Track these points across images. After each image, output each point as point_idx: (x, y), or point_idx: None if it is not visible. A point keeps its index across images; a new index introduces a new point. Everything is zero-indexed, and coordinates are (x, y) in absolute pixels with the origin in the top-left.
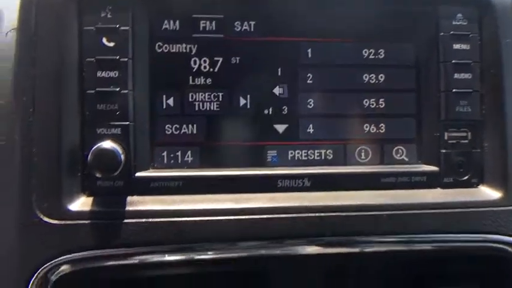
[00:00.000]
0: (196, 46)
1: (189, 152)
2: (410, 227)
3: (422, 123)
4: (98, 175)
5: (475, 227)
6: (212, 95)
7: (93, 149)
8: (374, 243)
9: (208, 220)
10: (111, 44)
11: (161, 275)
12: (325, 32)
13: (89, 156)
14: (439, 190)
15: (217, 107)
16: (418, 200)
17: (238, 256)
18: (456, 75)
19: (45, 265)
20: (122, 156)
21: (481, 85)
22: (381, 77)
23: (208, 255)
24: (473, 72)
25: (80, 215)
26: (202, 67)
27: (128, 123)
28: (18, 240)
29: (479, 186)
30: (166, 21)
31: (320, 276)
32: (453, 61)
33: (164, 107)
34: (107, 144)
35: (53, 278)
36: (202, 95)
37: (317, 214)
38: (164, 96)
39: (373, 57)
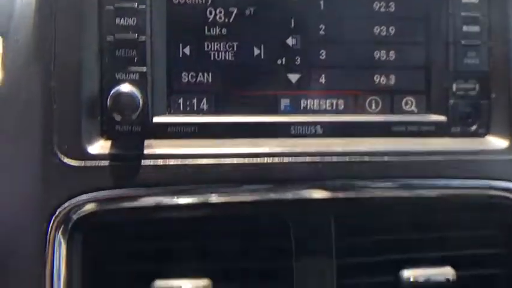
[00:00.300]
0: None
1: (204, 100)
2: (417, 172)
3: (432, 75)
4: (116, 118)
5: (481, 173)
6: (227, 45)
7: (112, 92)
8: (384, 189)
9: (222, 162)
10: None
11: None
12: None
13: (108, 100)
14: (447, 139)
15: (231, 57)
16: (426, 147)
17: (251, 199)
18: (465, 28)
19: (67, 204)
20: (140, 101)
21: (489, 38)
22: (392, 29)
23: (221, 197)
24: (481, 25)
25: (99, 156)
26: (217, 17)
27: (145, 69)
28: (39, 180)
29: (486, 136)
30: None
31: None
32: (462, 14)
33: (181, 55)
34: (126, 87)
35: (75, 216)
36: (217, 44)
37: (329, 159)
38: (181, 44)
39: (384, 10)
